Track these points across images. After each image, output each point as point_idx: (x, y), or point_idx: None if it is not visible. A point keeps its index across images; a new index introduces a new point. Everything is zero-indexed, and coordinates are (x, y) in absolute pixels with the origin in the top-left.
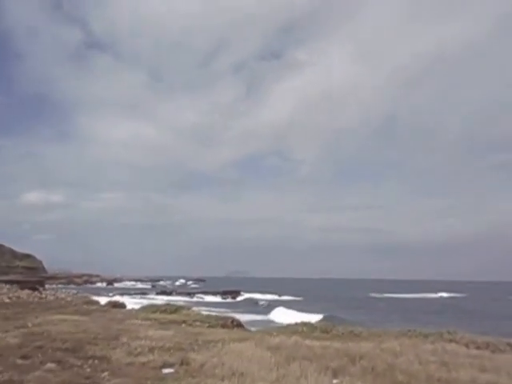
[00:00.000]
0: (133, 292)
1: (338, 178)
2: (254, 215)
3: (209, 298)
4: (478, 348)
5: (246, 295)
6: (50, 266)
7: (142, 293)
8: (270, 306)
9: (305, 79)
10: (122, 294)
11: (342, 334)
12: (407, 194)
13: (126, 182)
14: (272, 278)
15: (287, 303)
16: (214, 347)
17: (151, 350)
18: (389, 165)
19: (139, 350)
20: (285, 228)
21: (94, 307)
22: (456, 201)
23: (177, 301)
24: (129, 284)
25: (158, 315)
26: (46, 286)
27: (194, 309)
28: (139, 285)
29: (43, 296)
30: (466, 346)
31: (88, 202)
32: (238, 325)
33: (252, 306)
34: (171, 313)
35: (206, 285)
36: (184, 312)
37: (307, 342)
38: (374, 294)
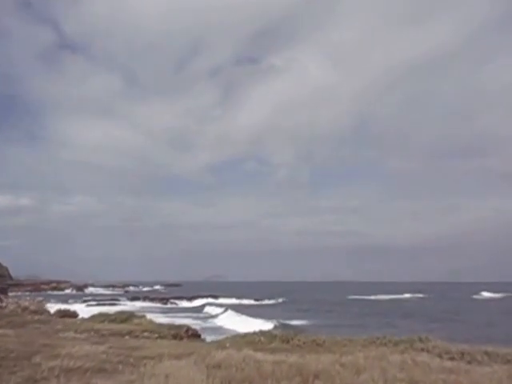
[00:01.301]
0: (101, 298)
1: (315, 182)
2: (231, 219)
3: (184, 304)
4: (452, 359)
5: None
6: (18, 272)
7: (113, 299)
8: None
9: (280, 84)
10: (87, 301)
11: (304, 343)
12: (383, 197)
13: (99, 185)
14: (251, 281)
15: (245, 308)
16: (143, 367)
17: (63, 372)
18: (364, 168)
19: (45, 373)
20: (263, 232)
21: (37, 317)
22: (430, 203)
23: (148, 307)
24: (100, 290)
25: (104, 325)
26: (12, 293)
27: (150, 316)
28: (111, 291)
29: (3, 305)
30: (439, 356)
31: (58, 206)
32: (194, 334)
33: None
34: (121, 322)
35: (181, 289)
36: (135, 321)
37: (259, 355)
38: (351, 297)
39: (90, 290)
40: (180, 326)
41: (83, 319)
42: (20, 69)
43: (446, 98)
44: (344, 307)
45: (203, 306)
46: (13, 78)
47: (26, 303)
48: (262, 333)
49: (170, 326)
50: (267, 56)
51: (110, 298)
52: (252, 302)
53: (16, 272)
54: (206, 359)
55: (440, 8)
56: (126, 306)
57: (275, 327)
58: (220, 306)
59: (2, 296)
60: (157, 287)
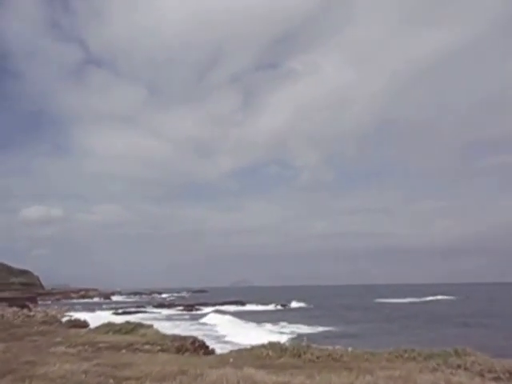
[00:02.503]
0: (127, 306)
1: (339, 183)
2: (255, 224)
3: (207, 310)
4: (497, 379)
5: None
6: (48, 281)
7: (139, 306)
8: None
9: (301, 88)
10: (113, 309)
11: (318, 358)
12: (410, 197)
13: (125, 194)
14: (276, 286)
15: (268, 314)
16: None
17: None
18: (389, 168)
19: None
20: (287, 236)
21: (41, 328)
22: (456, 202)
23: (172, 314)
24: (127, 298)
25: (106, 337)
26: (42, 302)
27: (159, 325)
28: (137, 298)
29: (31, 314)
30: (481, 374)
31: (86, 215)
32: (201, 346)
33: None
34: (126, 333)
35: (206, 296)
36: (141, 332)
37: (260, 375)
38: (379, 300)
39: (117, 297)
40: (186, 338)
41: (88, 330)
42: (48, 85)
43: (471, 94)
44: (370, 312)
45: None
46: (42, 95)
47: (54, 312)
48: (271, 345)
49: (175, 338)
50: (287, 61)
51: (135, 305)
52: (278, 307)
53: (47, 281)
54: (197, 381)
55: (461, 4)
56: (153, 313)
57: (291, 338)
58: (242, 313)
59: (32, 305)
60: (183, 294)
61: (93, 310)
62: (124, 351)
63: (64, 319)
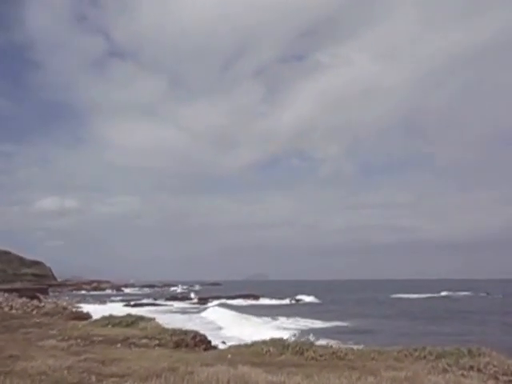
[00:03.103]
0: (139, 298)
1: (362, 176)
2: (274, 217)
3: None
4: None
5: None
6: (62, 272)
7: (151, 298)
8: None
9: (326, 80)
10: (124, 301)
11: (321, 356)
12: (435, 190)
13: (143, 185)
14: (292, 280)
15: (280, 308)
16: None
17: None
18: (414, 161)
19: None
20: (307, 229)
21: (39, 320)
22: (486, 196)
23: (185, 308)
24: (140, 290)
25: (103, 330)
26: (53, 293)
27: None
28: (149, 290)
29: (41, 305)
30: (495, 377)
31: (101, 207)
32: (202, 341)
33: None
34: (126, 326)
35: (220, 289)
36: (141, 325)
37: (255, 374)
38: (395, 295)
39: (129, 290)
40: (187, 332)
41: (88, 323)
42: (72, 77)
43: (502, 87)
44: (385, 307)
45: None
46: (64, 86)
47: (64, 303)
48: (272, 342)
49: (175, 332)
50: (313, 53)
51: (147, 297)
52: (293, 301)
53: (60, 272)
54: (185, 379)
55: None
56: (164, 306)
57: (298, 333)
58: (255, 307)
59: (42, 296)
60: (196, 287)
61: (104, 302)
62: (119, 345)
63: (67, 311)
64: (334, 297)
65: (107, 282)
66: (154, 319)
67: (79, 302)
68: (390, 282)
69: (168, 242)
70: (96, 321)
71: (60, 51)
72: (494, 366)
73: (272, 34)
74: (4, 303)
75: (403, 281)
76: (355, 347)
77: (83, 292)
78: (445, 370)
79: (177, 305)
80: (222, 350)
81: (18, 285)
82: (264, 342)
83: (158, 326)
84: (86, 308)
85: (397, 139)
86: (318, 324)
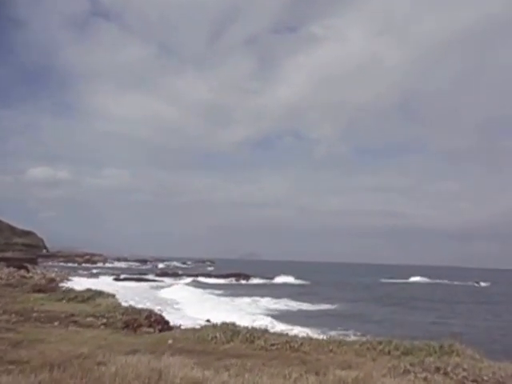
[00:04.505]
0: (129, 273)
1: (356, 158)
2: (267, 197)
3: (212, 281)
4: None
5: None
6: (54, 243)
7: (141, 273)
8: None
9: (321, 55)
10: (114, 275)
11: (273, 345)
12: (429, 176)
13: (135, 158)
14: (285, 260)
15: (263, 288)
16: None
17: None
18: (409, 145)
19: None
20: (300, 210)
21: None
22: (481, 183)
23: (173, 283)
24: (132, 264)
25: (55, 305)
26: (47, 263)
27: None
28: (140, 265)
29: (28, 275)
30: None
31: (93, 179)
32: (158, 321)
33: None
34: (82, 301)
35: (212, 267)
36: (97, 301)
37: (180, 367)
38: (385, 280)
39: (121, 264)
40: (141, 311)
41: (43, 296)
42: (53, 37)
43: (502, 71)
44: (370, 291)
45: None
46: (46, 47)
47: (53, 275)
48: (222, 327)
49: (127, 311)
50: (306, 24)
51: (137, 272)
52: (283, 280)
53: (53, 243)
54: (88, 372)
55: None
56: (155, 282)
57: (266, 315)
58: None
59: (31, 266)
60: (189, 263)
61: (95, 275)
62: (56, 323)
63: (32, 282)
64: (325, 279)
65: (100, 254)
66: (113, 295)
67: (69, 274)
68: (383, 266)
69: (162, 218)
70: (52, 294)
71: (41, 9)
72: (464, 370)
73: (263, 1)
74: None
75: (395, 266)
76: (313, 336)
77: (75, 264)
78: (406, 372)
79: (167, 280)
80: (165, 335)
81: (8, 254)
82: (214, 327)
83: (114, 303)
84: (75, 281)
85: (393, 121)
86: (305, 306)
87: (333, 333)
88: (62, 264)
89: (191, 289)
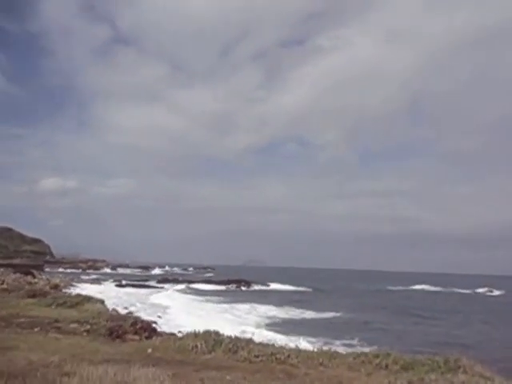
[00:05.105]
0: (131, 279)
1: (362, 163)
2: (271, 203)
3: (206, 287)
4: None
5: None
6: (61, 250)
7: (142, 280)
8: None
9: (327, 64)
10: (116, 281)
11: (257, 357)
12: (439, 179)
13: (141, 168)
14: (289, 267)
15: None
16: None
17: None
18: (418, 148)
19: None
20: (305, 216)
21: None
22: (494, 187)
23: (165, 290)
24: (136, 271)
25: (43, 310)
26: (53, 270)
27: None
28: (142, 272)
29: (33, 281)
30: None
31: (100, 188)
32: (144, 328)
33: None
34: (70, 307)
35: (212, 273)
36: (85, 307)
37: (150, 379)
38: (391, 287)
39: (124, 270)
40: (126, 318)
41: (33, 301)
42: (78, 63)
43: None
44: (376, 299)
45: None
46: (68, 72)
47: (57, 280)
48: (204, 336)
49: (113, 317)
50: (314, 37)
51: (139, 279)
52: (289, 288)
53: (59, 250)
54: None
55: None
56: (155, 288)
57: (260, 325)
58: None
59: (37, 272)
60: (190, 270)
61: (97, 281)
62: (36, 330)
63: (27, 288)
64: (329, 286)
65: (103, 261)
66: (102, 301)
67: (73, 279)
68: (389, 273)
69: (165, 225)
70: (42, 300)
71: (69, 39)
72: None
73: (272, 17)
74: None
75: (402, 273)
76: (303, 348)
77: (79, 270)
78: None
79: (167, 287)
80: (145, 343)
81: (17, 261)
82: (196, 335)
83: (101, 309)
84: (79, 286)
85: (400, 125)
86: (308, 314)
87: (338, 342)
88: (68, 270)
89: (184, 295)
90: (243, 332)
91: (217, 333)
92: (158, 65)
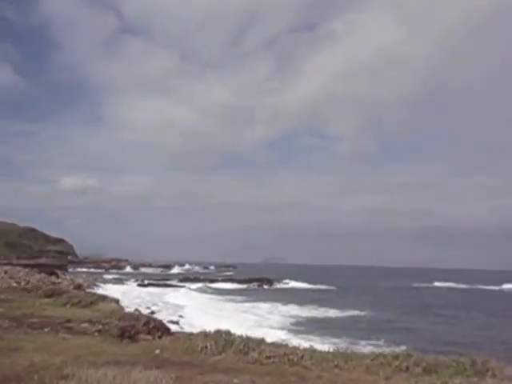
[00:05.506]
0: (154, 278)
1: (381, 155)
2: (290, 198)
3: (227, 286)
4: None
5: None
6: (82, 250)
7: (164, 279)
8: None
9: (341, 50)
10: (139, 280)
11: (269, 358)
12: (461, 172)
13: (157, 164)
14: (310, 264)
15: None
16: None
17: None
18: (439, 140)
19: None
20: (324, 212)
21: (11, 297)
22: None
23: (193, 289)
24: (157, 270)
25: (57, 310)
26: (76, 269)
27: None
28: (163, 270)
29: (57, 281)
30: None
31: (120, 186)
32: (157, 328)
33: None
34: (84, 306)
35: (233, 271)
36: (100, 306)
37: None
38: (417, 284)
39: (146, 269)
40: (139, 318)
41: (48, 301)
42: (85, 55)
43: None
44: (401, 297)
45: None
46: (78, 64)
47: (81, 280)
48: (214, 336)
49: (125, 317)
50: (325, 21)
51: (160, 278)
52: (312, 286)
53: (81, 250)
54: None
55: None
56: (177, 287)
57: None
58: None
59: (60, 272)
60: (211, 268)
61: (120, 280)
62: (46, 330)
63: (45, 287)
64: (352, 283)
65: (126, 260)
66: (117, 300)
67: (96, 279)
68: (412, 270)
69: (185, 223)
70: (58, 299)
71: (73, 31)
72: None
73: (282, 2)
74: (22, 278)
75: (426, 269)
76: (318, 349)
77: (103, 270)
78: None
79: (188, 285)
80: (154, 343)
81: (42, 261)
82: (206, 336)
83: (115, 308)
84: (102, 287)
85: (421, 114)
86: (331, 313)
87: (363, 343)
88: (91, 270)
89: (201, 294)
90: (265, 334)
91: (228, 333)
92: (168, 55)
